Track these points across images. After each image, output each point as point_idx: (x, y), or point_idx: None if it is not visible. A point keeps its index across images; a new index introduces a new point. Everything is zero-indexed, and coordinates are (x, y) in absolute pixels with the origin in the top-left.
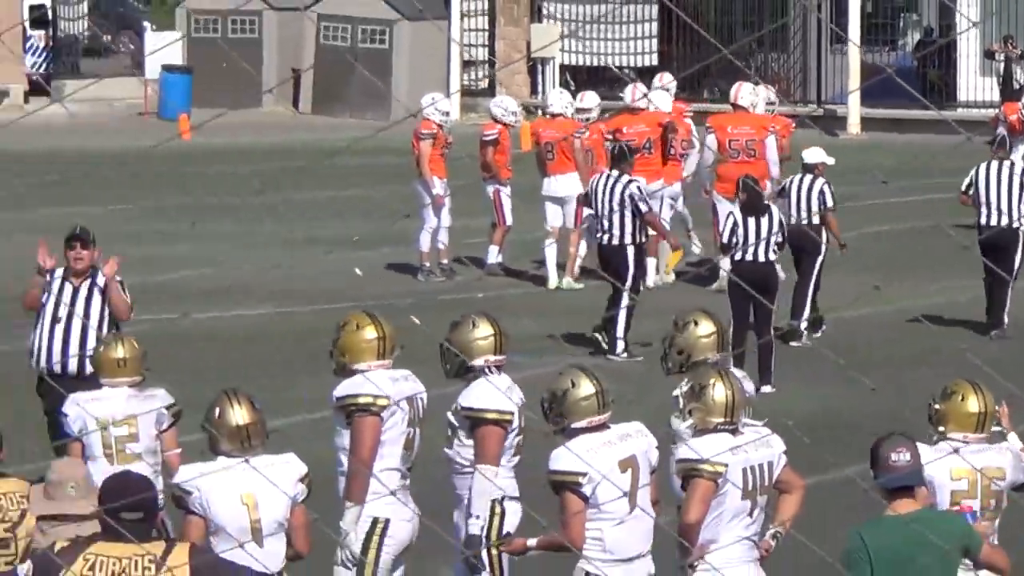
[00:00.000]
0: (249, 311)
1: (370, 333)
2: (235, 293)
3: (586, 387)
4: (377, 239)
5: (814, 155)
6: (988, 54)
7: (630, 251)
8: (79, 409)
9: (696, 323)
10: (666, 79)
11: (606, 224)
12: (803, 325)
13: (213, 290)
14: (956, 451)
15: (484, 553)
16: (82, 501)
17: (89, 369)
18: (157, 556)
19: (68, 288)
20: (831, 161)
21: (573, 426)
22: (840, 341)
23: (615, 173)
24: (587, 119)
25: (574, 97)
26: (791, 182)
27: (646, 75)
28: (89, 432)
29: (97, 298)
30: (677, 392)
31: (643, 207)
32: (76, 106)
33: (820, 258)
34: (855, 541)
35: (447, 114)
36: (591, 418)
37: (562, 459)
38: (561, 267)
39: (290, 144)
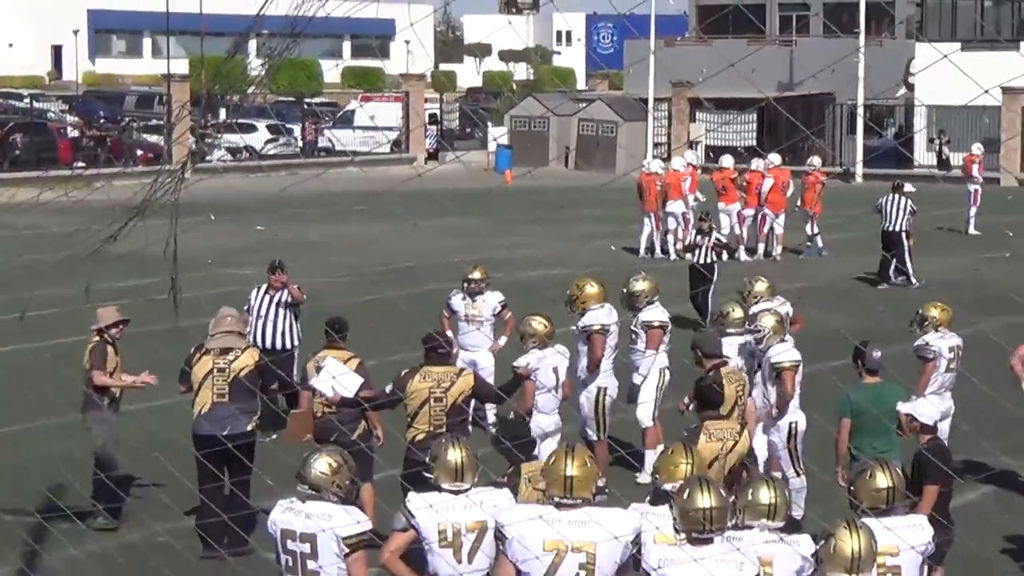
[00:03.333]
0: (541, 272)
1: (592, 288)
2: (539, 262)
3: None
4: (611, 234)
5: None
6: (930, 140)
7: (903, 234)
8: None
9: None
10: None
11: (890, 219)
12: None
13: (529, 260)
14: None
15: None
16: (238, 327)
17: (279, 344)
18: (457, 372)
19: (267, 297)
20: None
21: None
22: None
23: (898, 195)
24: (665, 170)
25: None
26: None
27: (750, 150)
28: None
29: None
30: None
31: (914, 208)
32: (452, 166)
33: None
34: (844, 397)
35: (664, 169)
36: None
37: (791, 354)
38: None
39: (565, 186)
